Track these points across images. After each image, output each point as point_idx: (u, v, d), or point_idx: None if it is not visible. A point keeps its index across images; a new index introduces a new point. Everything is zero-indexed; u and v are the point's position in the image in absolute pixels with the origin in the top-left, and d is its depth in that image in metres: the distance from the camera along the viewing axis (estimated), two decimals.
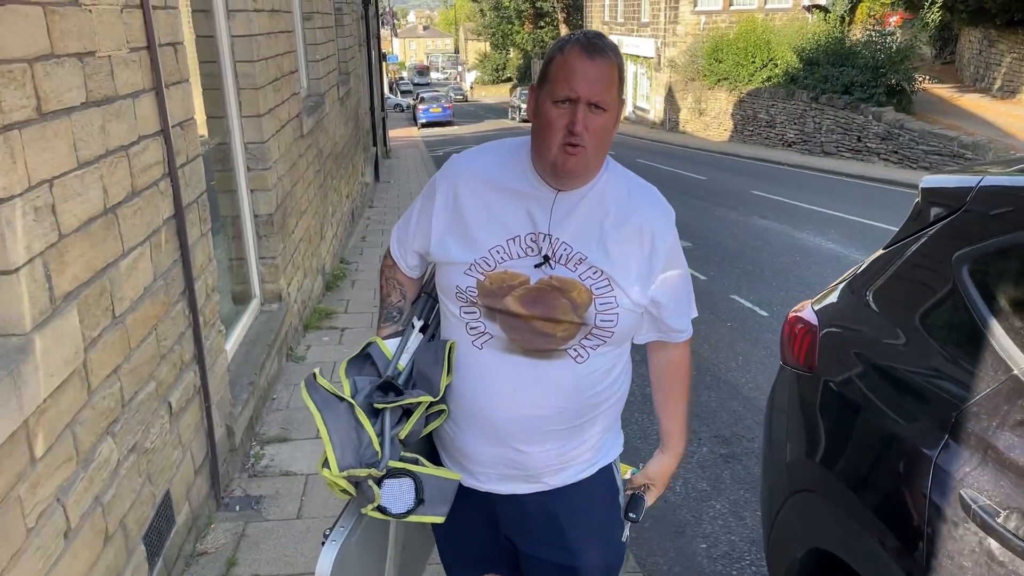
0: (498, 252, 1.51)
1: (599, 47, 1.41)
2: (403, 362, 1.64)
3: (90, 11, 2.23)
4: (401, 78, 65.47)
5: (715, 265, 7.92)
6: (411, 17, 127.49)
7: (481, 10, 55.36)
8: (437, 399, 1.57)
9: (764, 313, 6.37)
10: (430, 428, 1.64)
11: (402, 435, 1.55)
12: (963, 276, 1.63)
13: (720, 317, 6.24)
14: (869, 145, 16.69)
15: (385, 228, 9.51)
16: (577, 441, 1.62)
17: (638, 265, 1.53)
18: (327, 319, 5.84)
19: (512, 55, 55.78)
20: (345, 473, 1.47)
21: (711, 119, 24.61)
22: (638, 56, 30.81)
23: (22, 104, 1.84)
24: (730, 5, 27.16)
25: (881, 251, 1.99)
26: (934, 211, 1.82)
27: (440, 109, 34.17)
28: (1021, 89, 17.24)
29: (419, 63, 78.51)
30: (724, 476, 3.75)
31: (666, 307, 1.60)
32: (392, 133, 22.55)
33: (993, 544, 1.35)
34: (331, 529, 1.54)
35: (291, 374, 4.73)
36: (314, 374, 1.59)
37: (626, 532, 1.74)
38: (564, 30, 46.83)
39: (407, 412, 1.57)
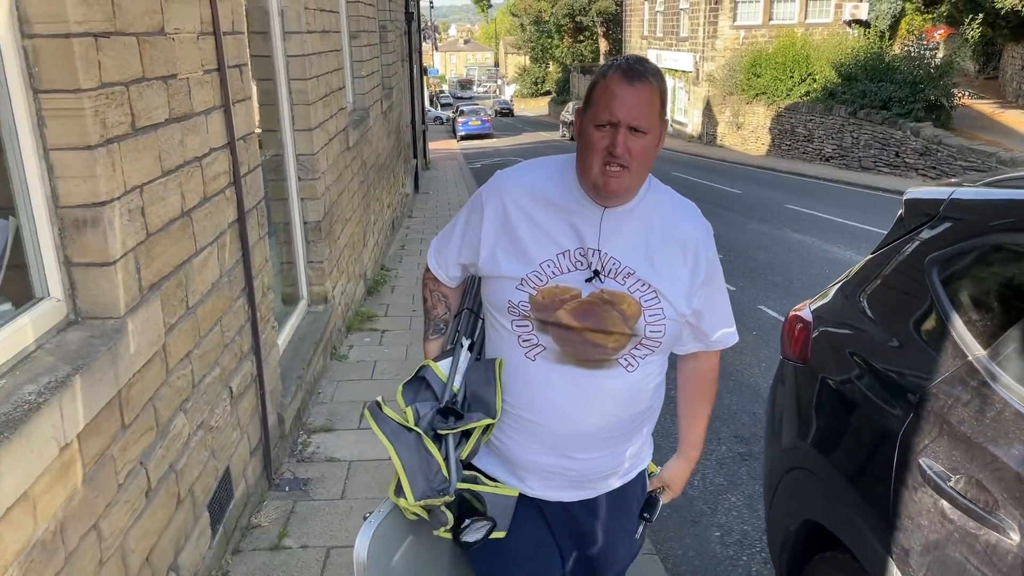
0: (549, 266, 1.56)
1: (639, 72, 1.46)
2: (457, 383, 1.70)
3: (173, 39, 2.56)
4: (441, 91, 66.33)
5: (745, 276, 8.09)
6: (452, 31, 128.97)
7: (521, 24, 55.93)
8: (495, 420, 1.64)
9: None
10: (482, 441, 1.70)
11: (463, 456, 1.65)
12: (933, 277, 1.85)
13: (746, 326, 6.42)
14: (907, 160, 16.64)
15: (424, 237, 9.83)
16: (625, 447, 1.69)
17: (682, 277, 1.59)
18: (368, 321, 6.15)
19: (551, 68, 56.23)
20: (422, 502, 1.58)
21: (748, 133, 24.65)
22: (676, 70, 30.95)
23: (120, 121, 2.15)
24: (770, 20, 27.20)
25: (870, 255, 2.21)
26: (913, 220, 2.04)
27: (479, 122, 34.63)
28: None
29: (461, 77, 79.37)
30: (741, 472, 3.95)
31: (706, 316, 1.68)
32: (432, 145, 23.00)
33: (945, 504, 1.57)
34: (371, 512, 1.70)
35: (335, 371, 5.04)
36: (378, 403, 1.68)
37: (640, 529, 1.85)
38: (603, 44, 47.16)
39: (466, 433, 1.64)
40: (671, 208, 1.63)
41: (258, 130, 4.14)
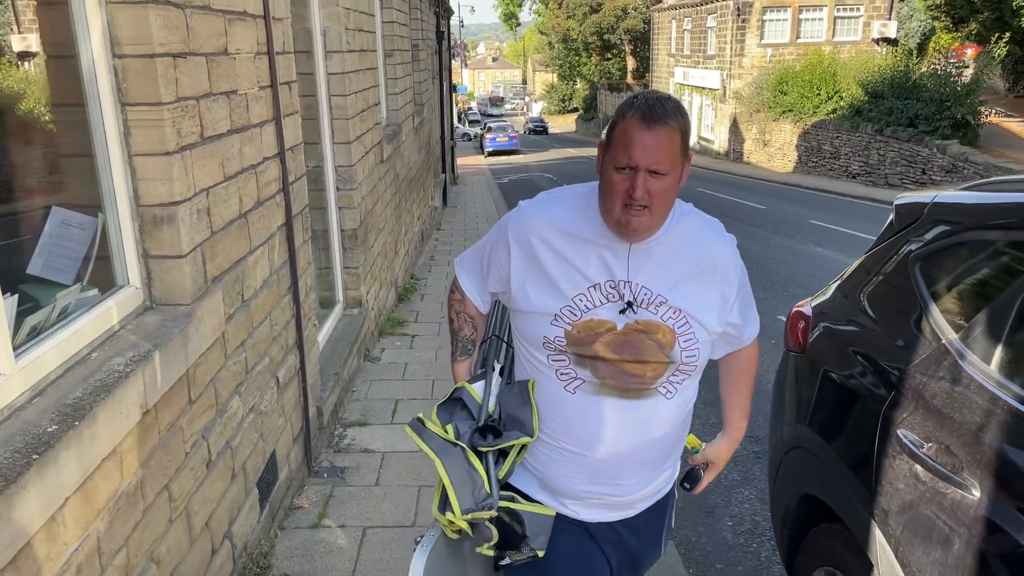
0: (581, 300, 1.57)
1: (658, 115, 1.45)
2: (492, 404, 1.73)
3: (234, 58, 2.84)
4: (470, 108, 67.01)
5: (766, 288, 8.25)
6: (481, 49, 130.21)
7: (549, 42, 56.50)
8: (533, 438, 1.66)
9: None
10: (517, 462, 1.71)
11: (501, 474, 1.66)
12: (915, 271, 2.06)
13: (765, 335, 6.56)
14: (934, 178, 16.66)
15: (452, 249, 10.11)
16: (664, 466, 1.74)
17: (713, 298, 1.61)
18: (399, 327, 6.41)
19: (579, 86, 56.68)
20: (469, 516, 1.59)
21: (775, 150, 24.74)
22: (703, 88, 31.15)
23: (192, 130, 2.43)
24: (797, 38, 27.32)
25: (864, 255, 2.42)
26: (902, 223, 2.25)
27: (506, 138, 35.02)
28: None
29: (492, 95, 80.00)
30: (755, 470, 4.14)
31: (742, 326, 1.72)
32: (460, 161, 23.38)
33: (919, 469, 1.77)
34: (422, 536, 1.73)
35: (368, 372, 5.30)
36: (420, 419, 1.70)
37: (665, 536, 1.90)
38: (631, 62, 47.51)
39: (503, 453, 1.67)
40: (697, 230, 1.63)
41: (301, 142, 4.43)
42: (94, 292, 2.22)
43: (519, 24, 69.59)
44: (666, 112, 1.46)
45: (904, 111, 17.97)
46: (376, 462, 3.95)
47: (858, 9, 27.19)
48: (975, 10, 18.44)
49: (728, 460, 1.98)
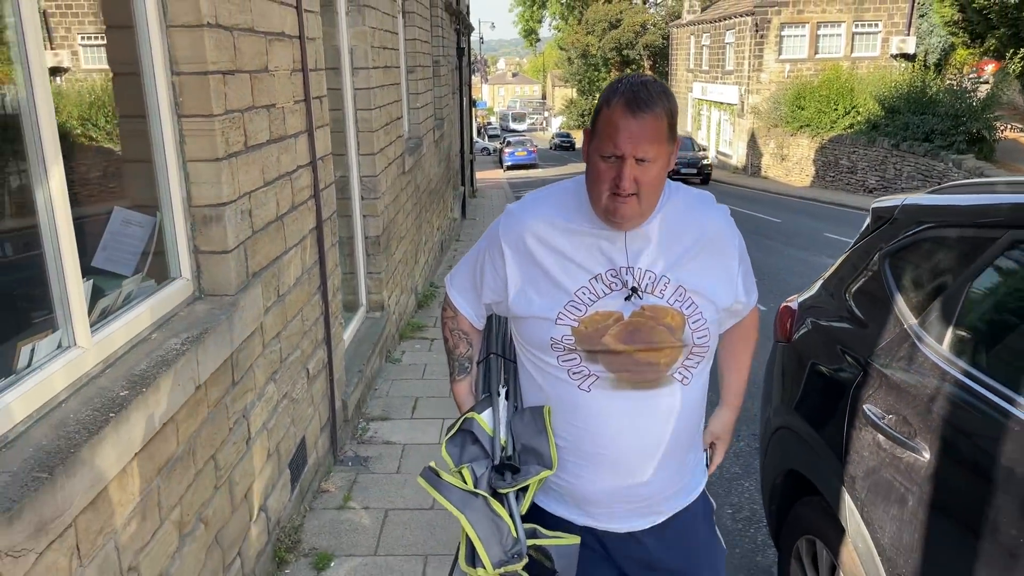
0: (584, 293, 1.53)
1: (643, 101, 1.41)
2: (503, 435, 1.66)
3: (273, 75, 3.13)
4: (489, 123, 67.56)
5: (776, 298, 8.40)
6: (500, 64, 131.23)
7: (569, 58, 56.92)
8: (553, 471, 1.60)
9: None
10: (535, 491, 1.65)
11: (523, 510, 1.60)
12: (884, 266, 2.29)
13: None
14: None
15: None
16: (686, 461, 1.69)
17: (717, 272, 1.59)
18: (418, 331, 6.68)
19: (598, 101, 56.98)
20: (501, 569, 1.53)
21: (792, 164, 24.88)
22: (722, 103, 31.37)
23: (238, 140, 2.71)
24: (815, 54, 27.51)
25: (844, 255, 2.65)
26: (876, 223, 2.48)
27: (525, 152, 35.34)
28: None
29: (513, 111, 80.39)
30: (755, 464, 4.34)
31: (746, 300, 1.70)
32: (479, 174, 23.72)
33: (880, 438, 1.99)
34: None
35: (389, 372, 5.56)
36: (433, 470, 1.62)
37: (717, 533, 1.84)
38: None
39: (523, 487, 1.61)
40: (689, 206, 1.60)
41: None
42: (151, 283, 2.49)
43: (539, 40, 70.17)
44: (651, 97, 1.42)
45: (920, 126, 18.10)
46: (397, 452, 4.20)
47: (876, 25, 27.34)
48: (992, 26, 18.55)
49: (734, 431, 1.94)
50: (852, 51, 27.49)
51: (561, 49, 61.40)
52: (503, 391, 1.74)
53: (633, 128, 1.41)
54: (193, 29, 2.44)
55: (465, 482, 1.58)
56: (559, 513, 1.69)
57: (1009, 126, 17.91)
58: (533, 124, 78.30)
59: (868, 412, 2.04)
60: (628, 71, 50.35)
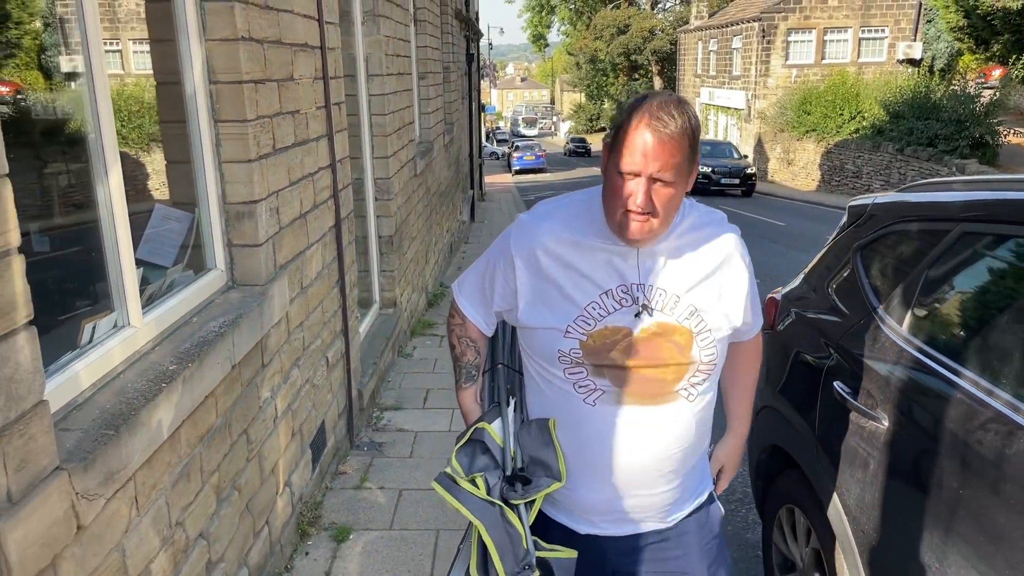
0: (594, 308, 1.53)
1: (666, 120, 1.40)
2: (512, 445, 1.67)
3: (298, 83, 3.38)
4: (498, 127, 67.89)
5: None
6: (509, 69, 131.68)
7: (577, 63, 57.25)
8: (562, 483, 1.61)
9: None
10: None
11: (530, 521, 1.61)
12: (856, 258, 2.52)
13: None
14: None
15: None
16: (691, 473, 1.69)
17: (727, 293, 1.59)
18: (429, 328, 6.92)
19: (606, 105, 57.31)
20: None
21: (799, 169, 25.06)
22: (729, 108, 31.59)
23: (267, 143, 2.96)
24: (822, 59, 27.71)
25: (824, 249, 2.87)
26: (851, 220, 2.70)
27: (533, 157, 35.58)
28: None
29: (524, 115, 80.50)
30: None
31: (752, 321, 1.71)
32: (488, 179, 23.98)
33: (848, 410, 2.22)
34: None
35: (401, 366, 5.80)
36: (450, 476, 1.62)
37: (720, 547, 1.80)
38: (658, 82, 48.02)
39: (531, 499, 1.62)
40: (702, 225, 1.60)
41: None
42: (190, 273, 2.74)
43: (547, 45, 70.54)
44: (673, 117, 1.40)
45: (924, 131, 18.27)
46: (410, 439, 4.44)
47: (883, 31, 27.53)
48: (996, 32, 18.70)
49: (741, 458, 1.93)
50: (859, 56, 27.69)
51: (570, 54, 61.75)
52: (513, 402, 1.74)
53: (653, 147, 1.40)
54: (229, 42, 2.69)
55: (480, 490, 1.59)
56: (561, 520, 1.71)
57: (1012, 131, 18.06)
58: (544, 129, 78.50)
59: (837, 388, 2.27)
60: (636, 76, 50.63)
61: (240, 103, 2.74)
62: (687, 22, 39.44)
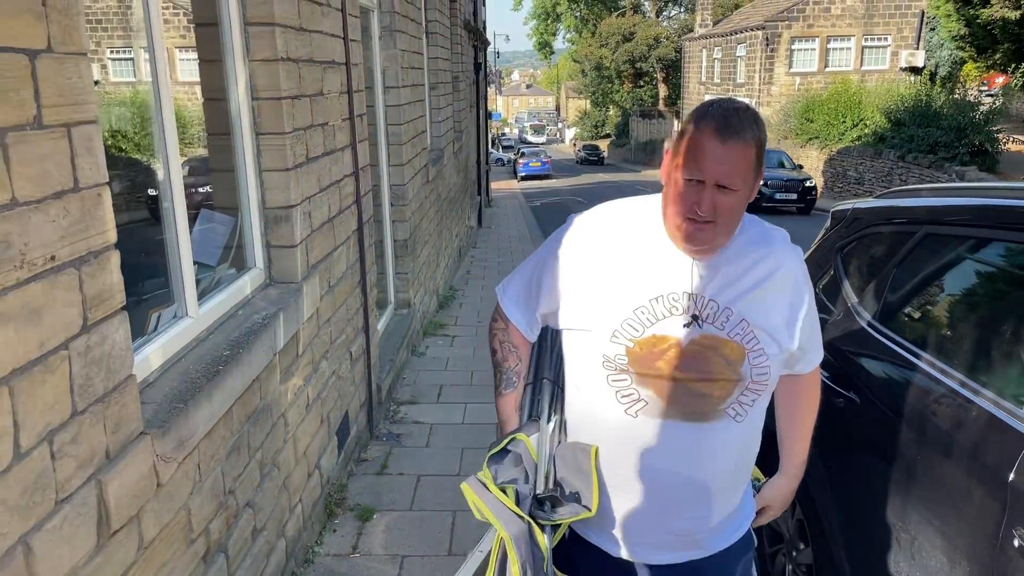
0: (643, 313, 1.49)
1: (734, 128, 1.37)
2: (548, 464, 1.62)
3: (327, 97, 3.66)
4: (503, 134, 68.26)
5: None
6: (515, 76, 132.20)
7: (583, 70, 57.60)
8: (592, 513, 1.55)
9: None
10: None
11: (553, 543, 1.59)
12: (837, 259, 2.79)
13: None
14: None
15: (487, 265, 10.91)
16: (734, 500, 1.62)
17: (783, 312, 1.53)
18: (441, 329, 7.20)
19: (611, 112, 57.65)
20: None
21: None
22: None
23: (302, 153, 3.24)
24: (825, 67, 28.01)
25: (811, 250, 3.14)
26: (833, 224, 2.97)
27: (539, 163, 35.88)
28: None
29: (532, 122, 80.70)
30: None
31: (808, 348, 1.62)
32: (494, 185, 24.27)
33: (829, 394, 2.49)
34: None
35: (415, 364, 6.08)
36: (481, 481, 1.61)
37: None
38: (663, 89, 48.38)
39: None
40: (763, 240, 1.55)
41: None
42: (233, 271, 3.03)
43: (553, 52, 70.93)
44: (742, 124, 1.38)
45: (925, 138, 18.51)
46: (426, 431, 4.72)
47: (886, 39, 27.83)
48: (996, 41, 18.96)
49: (789, 501, 1.85)
50: (862, 64, 27.99)
51: (575, 61, 62.13)
52: (556, 418, 1.69)
53: (719, 153, 1.37)
54: (270, 63, 2.98)
55: (509, 501, 1.56)
56: (595, 541, 1.65)
57: (1011, 138, 18.30)
58: (551, 136, 78.72)
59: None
60: (642, 83, 50.96)
61: (279, 117, 3.03)
62: (691, 30, 39.78)
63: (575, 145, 58.95)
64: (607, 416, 1.55)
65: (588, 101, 62.37)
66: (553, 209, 21.46)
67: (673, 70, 46.25)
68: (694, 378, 1.48)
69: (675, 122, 40.59)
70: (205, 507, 2.27)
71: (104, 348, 1.71)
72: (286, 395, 3.05)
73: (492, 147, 43.04)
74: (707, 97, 35.81)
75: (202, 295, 2.69)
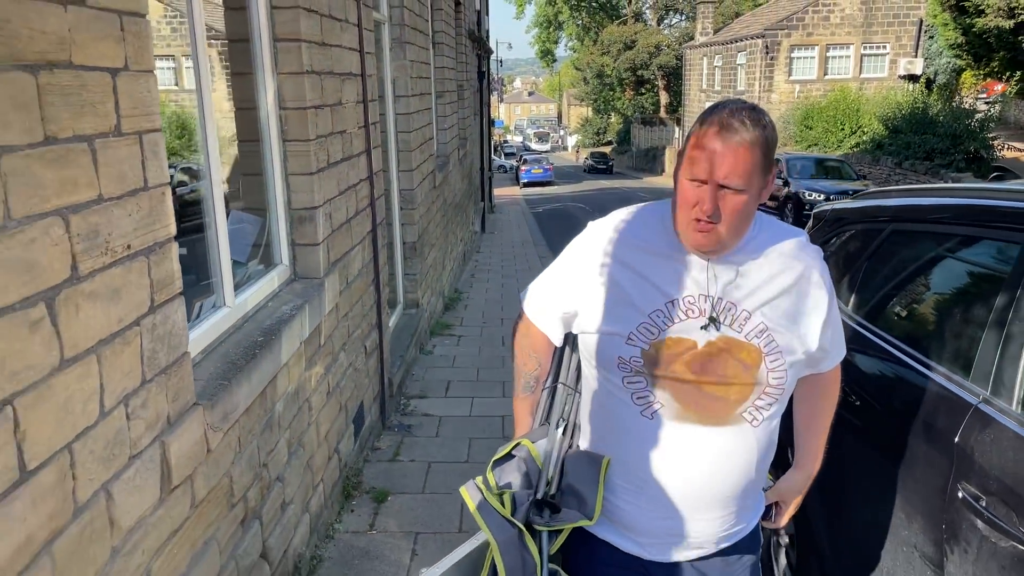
0: (659, 316, 1.49)
1: (736, 127, 1.37)
2: (551, 470, 1.63)
3: (344, 107, 3.92)
4: (505, 141, 68.62)
5: None
6: (517, 83, 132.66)
7: (584, 78, 57.97)
8: (592, 522, 1.57)
9: None
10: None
11: (553, 550, 1.58)
12: None
13: None
14: None
15: (491, 269, 11.17)
16: (746, 505, 1.62)
17: (803, 316, 1.52)
18: (447, 329, 7.45)
19: (613, 119, 58.02)
20: None
21: None
22: None
23: (323, 158, 3.50)
24: (824, 75, 28.31)
25: None
26: (815, 225, 3.23)
27: (541, 170, 36.12)
28: None
29: (536, 129, 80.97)
30: None
31: (830, 349, 1.62)
32: (496, 191, 24.51)
33: None
34: None
35: (423, 361, 6.33)
36: (480, 489, 1.62)
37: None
38: (664, 97, 48.70)
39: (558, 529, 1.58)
40: (781, 241, 1.54)
41: None
42: (262, 267, 3.28)
43: (555, 60, 71.37)
44: (745, 124, 1.37)
45: (921, 145, 18.77)
46: (435, 423, 4.97)
47: (885, 47, 28.14)
48: (992, 49, 19.24)
49: (803, 497, 1.85)
50: (861, 72, 28.28)
51: (577, 69, 62.48)
52: (563, 425, 1.70)
53: (722, 153, 1.37)
54: (296, 76, 3.24)
55: (504, 507, 1.58)
56: (606, 537, 1.65)
57: (1007, 145, 18.56)
58: (554, 143, 78.99)
59: None
60: (643, 90, 51.30)
61: (304, 125, 3.29)
62: (692, 38, 40.13)
63: (577, 152, 59.19)
64: (623, 417, 1.56)
65: (590, 108, 62.75)
66: (555, 215, 21.71)
67: (674, 78, 46.60)
68: (710, 381, 1.49)
69: (676, 129, 40.91)
70: (244, 476, 2.52)
71: (167, 327, 1.97)
72: (310, 381, 3.30)
73: (495, 154, 43.36)
74: (707, 104, 35.90)
75: (236, 288, 2.94)
